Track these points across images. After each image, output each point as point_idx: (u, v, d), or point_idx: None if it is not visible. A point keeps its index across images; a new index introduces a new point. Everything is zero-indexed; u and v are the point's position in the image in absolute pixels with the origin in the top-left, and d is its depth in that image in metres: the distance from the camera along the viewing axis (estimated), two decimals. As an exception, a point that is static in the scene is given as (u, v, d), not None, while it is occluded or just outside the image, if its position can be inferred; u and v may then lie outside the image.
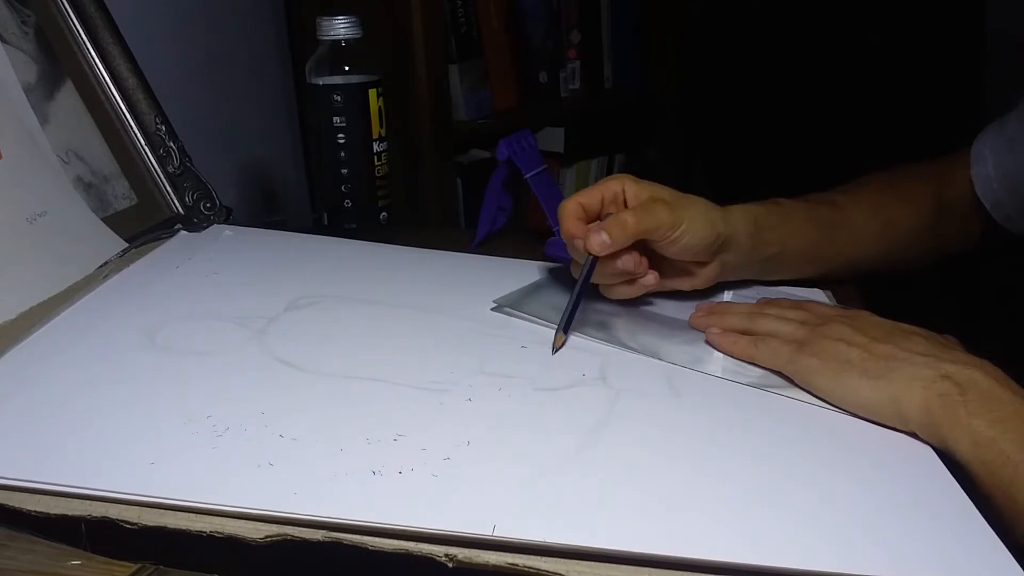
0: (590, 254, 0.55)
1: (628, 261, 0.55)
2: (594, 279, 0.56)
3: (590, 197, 0.57)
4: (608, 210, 0.57)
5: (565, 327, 0.54)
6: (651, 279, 0.57)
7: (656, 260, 0.58)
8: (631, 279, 0.57)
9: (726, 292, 0.63)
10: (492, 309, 0.58)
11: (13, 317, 0.52)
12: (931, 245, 0.67)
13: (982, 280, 1.48)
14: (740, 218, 0.59)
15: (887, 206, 0.65)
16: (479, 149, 1.32)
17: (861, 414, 0.46)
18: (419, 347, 0.52)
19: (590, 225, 0.56)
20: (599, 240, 0.54)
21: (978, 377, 0.43)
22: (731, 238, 0.58)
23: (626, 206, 0.57)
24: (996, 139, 0.65)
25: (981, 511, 0.38)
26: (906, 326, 0.50)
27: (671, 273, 0.59)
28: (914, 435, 0.44)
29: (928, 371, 0.44)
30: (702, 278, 0.59)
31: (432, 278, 0.65)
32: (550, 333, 0.54)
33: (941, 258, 0.68)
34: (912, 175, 0.68)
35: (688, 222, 0.55)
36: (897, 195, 0.66)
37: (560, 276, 0.64)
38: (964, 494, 0.39)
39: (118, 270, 0.60)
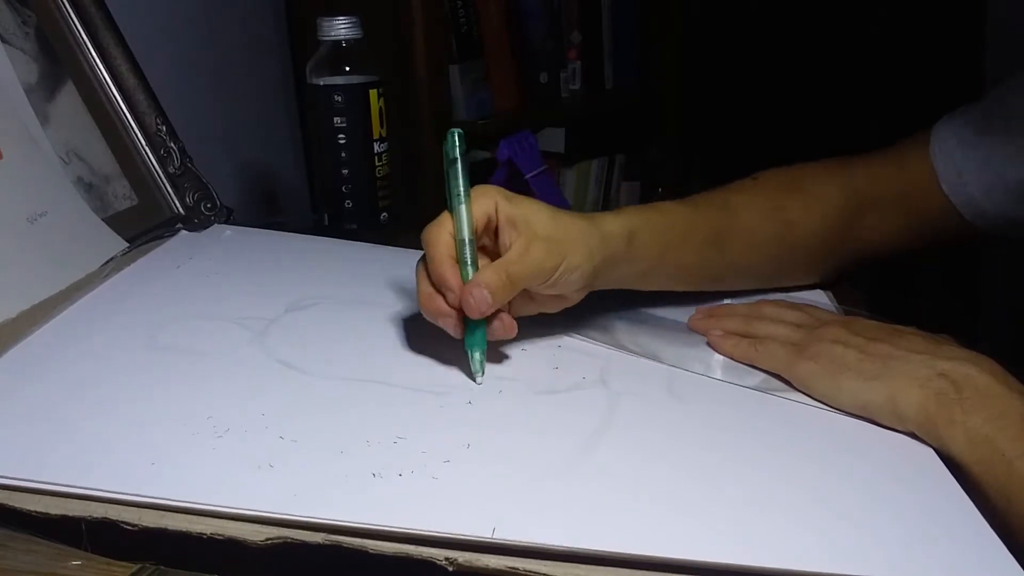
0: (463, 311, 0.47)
1: (499, 328, 0.48)
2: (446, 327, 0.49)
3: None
4: (480, 238, 0.50)
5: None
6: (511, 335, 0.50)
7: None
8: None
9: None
10: None
11: (14, 316, 0.52)
12: (839, 248, 0.62)
13: (981, 277, 1.48)
14: (616, 233, 0.51)
15: (787, 208, 0.60)
16: (479, 149, 1.32)
17: (860, 415, 0.46)
18: (419, 350, 0.52)
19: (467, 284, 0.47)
20: (482, 300, 0.46)
21: (974, 373, 0.43)
22: (606, 258, 0.50)
23: (496, 230, 0.50)
24: (965, 130, 0.59)
25: (978, 510, 0.38)
26: (901, 327, 0.50)
27: (535, 303, 0.51)
28: (913, 435, 0.44)
29: (924, 369, 0.44)
30: (571, 301, 0.52)
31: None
32: (555, 339, 0.54)
33: (857, 264, 0.64)
34: (819, 173, 0.62)
35: (567, 260, 0.48)
36: (802, 195, 0.60)
37: None
38: (965, 494, 0.39)
39: (119, 269, 0.60)
